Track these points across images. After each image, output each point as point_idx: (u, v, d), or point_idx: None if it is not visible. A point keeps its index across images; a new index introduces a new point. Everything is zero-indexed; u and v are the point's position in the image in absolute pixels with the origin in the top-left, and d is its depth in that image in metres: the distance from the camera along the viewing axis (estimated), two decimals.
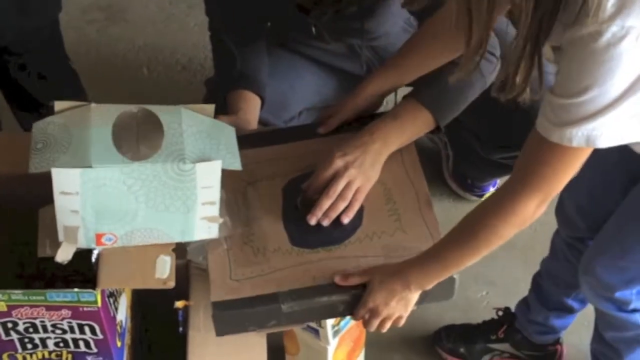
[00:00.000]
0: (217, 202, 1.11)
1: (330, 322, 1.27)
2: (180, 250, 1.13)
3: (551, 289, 1.46)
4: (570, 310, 1.48)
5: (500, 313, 1.55)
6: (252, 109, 1.27)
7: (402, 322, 1.14)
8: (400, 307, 1.09)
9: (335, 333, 1.31)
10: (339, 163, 1.14)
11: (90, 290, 1.07)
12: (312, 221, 1.13)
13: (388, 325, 1.13)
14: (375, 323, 1.12)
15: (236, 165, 1.13)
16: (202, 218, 1.11)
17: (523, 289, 1.65)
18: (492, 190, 1.78)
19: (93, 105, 1.11)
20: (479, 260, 1.72)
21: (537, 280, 1.50)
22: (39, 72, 1.61)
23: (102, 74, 2.07)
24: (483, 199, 1.79)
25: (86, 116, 1.09)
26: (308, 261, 1.10)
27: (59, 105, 1.12)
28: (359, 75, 1.43)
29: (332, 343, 1.32)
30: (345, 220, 1.13)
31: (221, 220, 1.12)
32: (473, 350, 1.54)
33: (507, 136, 1.39)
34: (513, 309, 1.61)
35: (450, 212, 1.79)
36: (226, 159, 1.12)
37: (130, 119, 1.11)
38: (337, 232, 1.13)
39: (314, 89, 1.43)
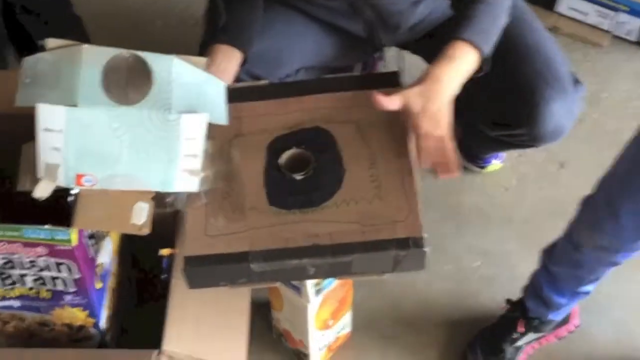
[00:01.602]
0: (200, 155, 1.11)
1: (311, 281, 1.27)
2: (160, 199, 1.13)
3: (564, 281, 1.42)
4: (587, 293, 1.44)
5: (508, 306, 1.51)
6: (228, 63, 1.25)
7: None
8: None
9: (318, 292, 1.31)
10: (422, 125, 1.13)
11: (64, 228, 1.08)
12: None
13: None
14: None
15: (222, 120, 1.12)
16: (183, 170, 1.10)
17: (516, 261, 1.66)
18: (494, 162, 1.76)
19: (85, 45, 1.10)
20: (473, 231, 1.73)
21: (546, 270, 1.44)
22: (41, 15, 1.61)
23: (117, 25, 2.06)
24: (485, 170, 1.76)
25: (77, 56, 1.09)
26: (283, 222, 1.10)
27: (51, 42, 1.11)
28: (360, 36, 1.41)
29: (314, 301, 1.33)
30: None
31: (202, 174, 1.12)
32: (506, 357, 1.52)
33: (502, 115, 1.37)
34: (506, 279, 1.60)
35: (452, 182, 1.77)
36: (213, 113, 1.11)
37: (121, 63, 1.11)
38: (316, 195, 1.12)
39: (313, 48, 1.41)
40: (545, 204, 1.75)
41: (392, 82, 1.23)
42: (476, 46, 1.18)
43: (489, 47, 1.21)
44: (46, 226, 1.06)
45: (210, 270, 1.09)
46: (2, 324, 1.25)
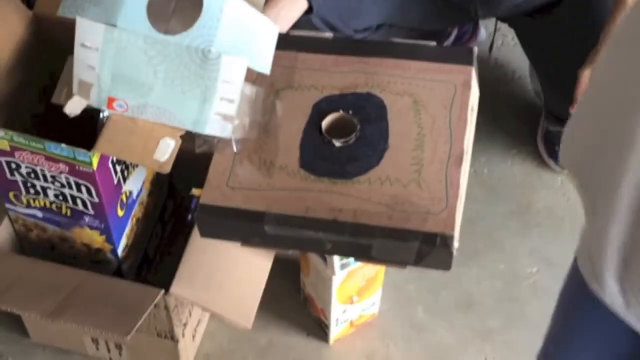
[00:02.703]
0: (237, 100, 1.04)
1: None
2: (190, 138, 1.07)
3: None
4: None
5: None
6: (289, 11, 1.16)
7: None
8: None
9: (343, 266, 1.24)
10: None
11: (85, 150, 1.04)
12: None
13: None
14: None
15: (265, 68, 1.05)
16: (217, 113, 1.04)
17: None
18: None
19: None
20: (539, 234, 1.60)
21: None
22: None
23: None
24: (564, 170, 1.63)
25: None
26: (308, 189, 1.02)
27: None
28: (455, 2, 1.28)
29: (339, 274, 1.26)
30: None
31: (237, 122, 1.05)
32: None
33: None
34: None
35: (529, 176, 1.65)
36: (257, 59, 1.04)
37: None
38: (350, 166, 1.04)
39: (399, 3, 1.29)
40: None
41: (466, 60, 1.12)
42: None
43: None
44: (60, 145, 1.03)
45: (222, 222, 1.03)
46: (26, 231, 1.25)
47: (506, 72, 1.79)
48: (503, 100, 1.75)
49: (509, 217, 1.61)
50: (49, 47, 1.20)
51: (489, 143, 1.69)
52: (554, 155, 1.63)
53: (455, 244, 0.98)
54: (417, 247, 0.98)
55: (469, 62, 1.11)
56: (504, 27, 1.84)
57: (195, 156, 1.09)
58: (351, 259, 1.23)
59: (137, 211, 1.25)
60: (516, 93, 1.75)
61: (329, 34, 1.17)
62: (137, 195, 1.24)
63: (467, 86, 1.08)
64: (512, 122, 1.72)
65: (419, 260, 0.99)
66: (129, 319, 1.07)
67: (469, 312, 1.50)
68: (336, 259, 1.22)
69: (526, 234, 1.59)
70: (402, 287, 1.51)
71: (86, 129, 1.10)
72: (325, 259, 1.24)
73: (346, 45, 1.16)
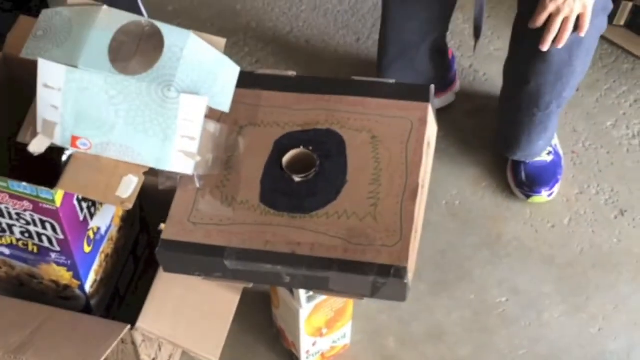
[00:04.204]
0: (197, 138, 1.07)
1: None
2: (154, 175, 1.10)
3: None
4: None
5: None
6: None
7: (585, 24, 1.31)
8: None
9: (310, 299, 1.26)
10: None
11: (48, 188, 1.06)
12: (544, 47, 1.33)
13: (569, 27, 1.30)
14: (556, 24, 1.29)
15: (224, 106, 1.07)
16: (179, 150, 1.07)
17: (546, 306, 1.55)
18: (543, 193, 1.64)
19: (105, 7, 1.07)
20: (508, 264, 1.62)
21: None
22: None
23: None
24: (530, 200, 1.65)
25: (93, 16, 1.06)
26: (268, 223, 1.05)
27: None
28: None
29: (305, 307, 1.27)
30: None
31: (198, 158, 1.08)
32: None
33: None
34: (529, 323, 1.50)
35: (497, 207, 1.68)
36: (217, 98, 1.07)
37: (136, 30, 1.08)
38: (309, 201, 1.06)
39: None
40: (594, 251, 1.63)
41: (422, 97, 1.15)
42: None
43: None
44: (23, 183, 1.05)
45: (184, 257, 1.05)
46: None
47: (477, 107, 1.82)
48: (473, 134, 1.78)
49: (479, 248, 1.63)
50: (19, 87, 1.22)
51: (460, 176, 1.72)
52: (520, 185, 1.66)
53: (410, 276, 1.00)
54: (372, 279, 1.00)
55: (425, 99, 1.14)
56: (475, 64, 1.88)
57: (168, 192, 1.11)
58: None
59: (106, 247, 1.27)
60: (486, 126, 1.78)
61: (292, 73, 1.20)
62: (106, 232, 1.26)
63: (423, 122, 1.11)
64: (482, 155, 1.75)
65: (375, 291, 1.01)
66: (93, 355, 1.09)
67: (439, 342, 1.52)
68: (302, 292, 1.24)
69: (496, 264, 1.61)
70: (373, 318, 1.53)
71: (52, 167, 1.12)
72: (292, 292, 1.26)
73: (308, 84, 1.19)
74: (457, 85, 1.83)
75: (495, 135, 1.70)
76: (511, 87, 1.58)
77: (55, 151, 1.10)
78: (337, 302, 1.32)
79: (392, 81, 1.18)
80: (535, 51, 1.38)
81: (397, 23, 1.61)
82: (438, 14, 1.63)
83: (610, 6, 1.42)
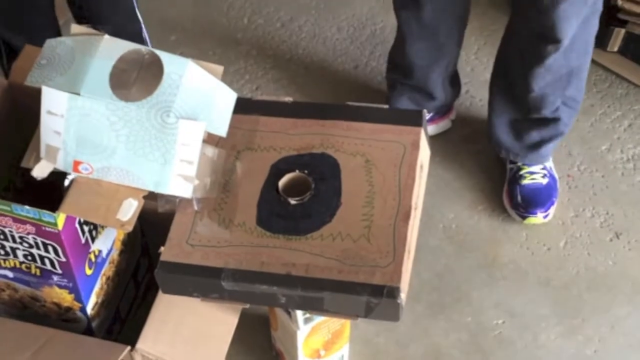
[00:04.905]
0: (195, 162, 1.10)
1: None
2: (153, 198, 1.13)
3: None
4: None
5: None
6: None
7: None
8: None
9: (307, 320, 1.28)
10: None
11: (50, 212, 1.09)
12: None
13: None
14: None
15: (222, 131, 1.11)
16: (177, 174, 1.10)
17: (542, 328, 1.56)
18: (539, 214, 1.66)
19: (106, 37, 1.11)
20: (505, 287, 1.64)
21: None
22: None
23: (204, 17, 2.09)
24: (526, 221, 1.67)
25: (95, 45, 1.10)
26: (264, 245, 1.07)
27: (75, 28, 1.13)
28: None
29: (303, 329, 1.29)
30: None
31: (197, 182, 1.11)
32: None
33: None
34: (526, 345, 1.52)
35: (493, 230, 1.70)
36: (214, 123, 1.10)
37: (136, 58, 1.11)
38: (304, 223, 1.09)
39: None
40: (590, 274, 1.65)
41: (415, 122, 1.18)
42: None
43: None
44: (26, 207, 1.08)
45: (182, 279, 1.08)
46: None
47: (473, 132, 1.85)
48: (469, 159, 1.81)
49: (476, 271, 1.65)
50: (24, 114, 1.26)
51: (456, 200, 1.75)
52: (516, 207, 1.68)
53: (403, 296, 1.03)
54: (366, 299, 1.02)
55: (418, 124, 1.17)
56: (472, 89, 1.92)
57: (168, 216, 1.14)
58: None
59: (107, 270, 1.30)
60: (482, 151, 1.81)
61: (288, 99, 1.24)
62: (107, 254, 1.29)
63: (415, 146, 1.14)
64: (478, 180, 1.77)
65: (369, 311, 1.04)
66: None
67: None
68: (299, 314, 1.26)
69: (492, 286, 1.63)
70: (370, 340, 1.54)
71: (55, 191, 1.15)
72: (290, 314, 1.28)
73: (304, 109, 1.22)
74: (453, 113, 1.86)
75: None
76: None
77: (58, 175, 1.13)
78: (334, 324, 1.34)
79: (385, 106, 1.21)
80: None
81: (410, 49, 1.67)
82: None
83: (600, 7, 1.47)
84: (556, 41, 1.43)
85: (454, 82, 1.80)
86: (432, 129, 1.80)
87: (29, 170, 1.11)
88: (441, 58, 1.69)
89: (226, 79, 1.15)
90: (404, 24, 1.64)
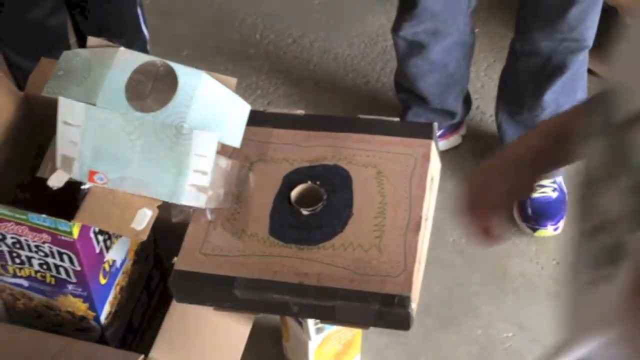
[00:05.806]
0: (209, 172, 1.11)
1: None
2: (167, 208, 1.14)
3: None
4: None
5: None
6: None
7: None
8: None
9: (319, 330, 1.29)
10: None
11: (66, 221, 1.11)
12: None
13: None
14: None
15: (235, 142, 1.12)
16: (191, 184, 1.11)
17: (552, 341, 1.55)
18: (549, 227, 1.67)
19: (122, 49, 1.13)
20: (514, 300, 1.65)
21: None
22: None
23: (216, 32, 2.11)
24: (536, 234, 1.68)
25: (111, 57, 1.12)
26: (277, 254, 1.09)
27: (92, 41, 1.16)
28: None
29: (314, 339, 1.30)
30: None
31: (210, 192, 1.12)
32: None
33: None
34: (534, 358, 1.52)
35: (505, 244, 1.71)
36: (228, 134, 1.12)
37: (151, 70, 1.13)
38: (316, 233, 1.10)
39: None
40: None
41: (426, 134, 1.19)
42: None
43: None
44: (43, 216, 1.10)
45: (195, 288, 1.09)
46: (13, 300, 1.30)
47: (484, 147, 1.87)
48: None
49: (486, 284, 1.66)
50: (40, 125, 1.28)
51: None
52: (527, 219, 1.69)
53: (413, 305, 1.04)
54: (377, 308, 1.03)
55: (428, 136, 1.18)
56: (482, 105, 1.93)
57: (181, 227, 1.16)
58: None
59: (120, 280, 1.31)
60: None
61: (301, 111, 1.26)
62: (121, 264, 1.30)
63: (426, 158, 1.15)
64: None
65: (379, 321, 1.05)
66: None
67: None
68: (311, 324, 1.27)
69: (502, 300, 1.64)
70: (381, 353, 1.55)
71: (70, 201, 1.17)
72: (301, 324, 1.30)
73: (316, 121, 1.24)
74: (464, 128, 1.88)
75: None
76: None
77: (73, 185, 1.15)
78: (346, 334, 1.35)
79: (396, 119, 1.23)
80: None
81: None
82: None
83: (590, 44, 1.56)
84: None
85: (465, 98, 1.82)
86: (442, 144, 1.82)
87: (45, 180, 1.13)
88: (453, 85, 1.72)
89: (238, 93, 1.17)
90: (412, 66, 1.68)
